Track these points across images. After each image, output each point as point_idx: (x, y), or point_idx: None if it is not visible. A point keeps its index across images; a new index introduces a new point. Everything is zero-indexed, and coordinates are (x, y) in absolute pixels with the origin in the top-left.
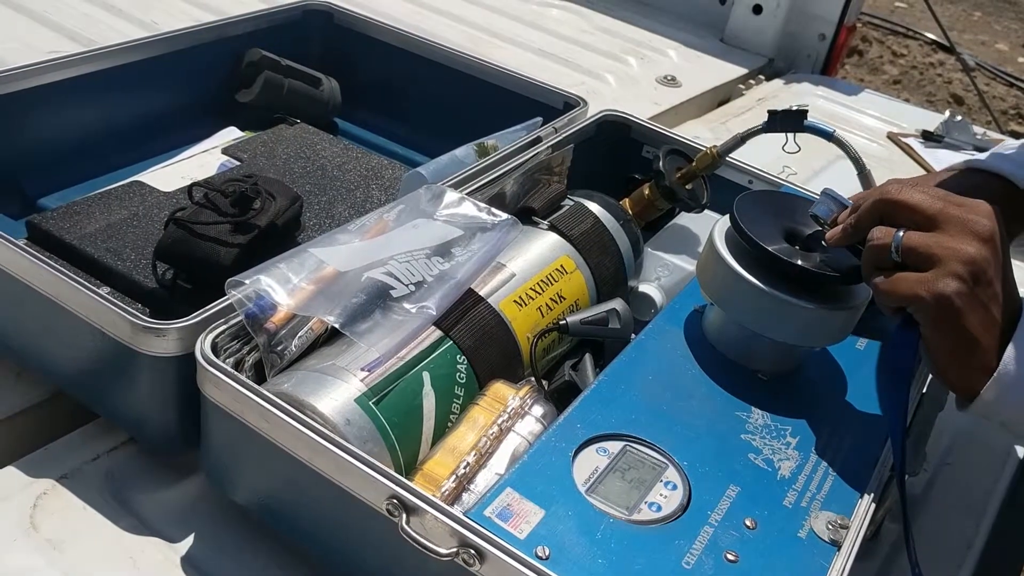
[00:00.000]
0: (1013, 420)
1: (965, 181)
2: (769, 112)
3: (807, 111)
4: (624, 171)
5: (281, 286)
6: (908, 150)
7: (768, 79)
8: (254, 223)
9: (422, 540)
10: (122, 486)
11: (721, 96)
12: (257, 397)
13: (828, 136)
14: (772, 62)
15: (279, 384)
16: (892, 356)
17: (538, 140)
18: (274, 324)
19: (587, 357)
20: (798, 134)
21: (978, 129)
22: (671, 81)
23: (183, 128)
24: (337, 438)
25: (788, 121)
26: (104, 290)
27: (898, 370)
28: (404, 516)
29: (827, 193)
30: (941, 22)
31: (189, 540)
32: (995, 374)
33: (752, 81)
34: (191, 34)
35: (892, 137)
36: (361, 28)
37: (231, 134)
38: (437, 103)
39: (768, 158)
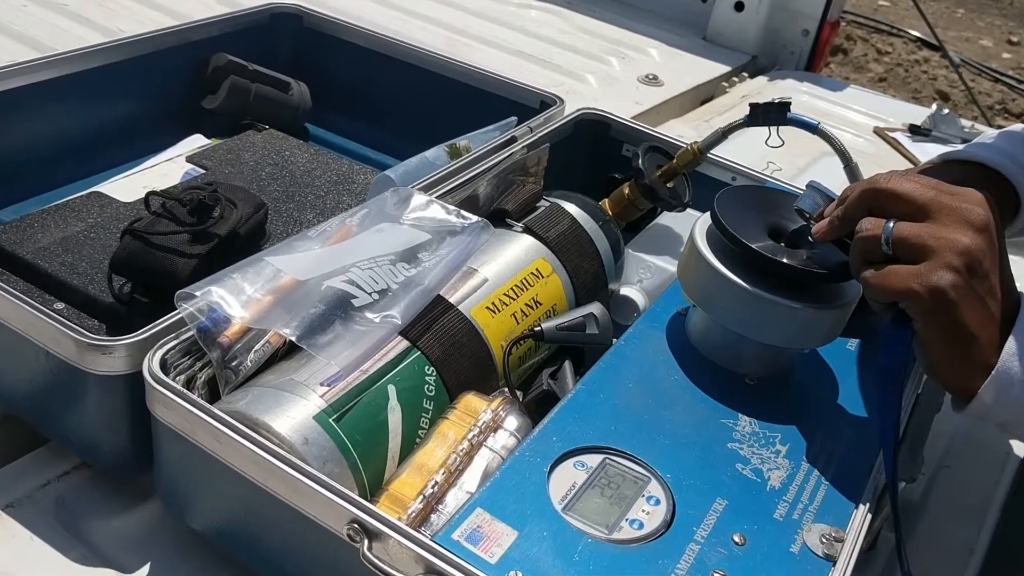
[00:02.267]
0: (1012, 420)
1: (946, 174)
2: (751, 105)
3: (790, 103)
4: (604, 171)
5: (235, 297)
6: (895, 145)
7: (752, 76)
8: (213, 232)
9: (385, 568)
10: (74, 514)
11: (704, 94)
12: (208, 416)
13: (812, 128)
14: (755, 59)
15: (232, 402)
16: (884, 355)
17: (513, 140)
18: (228, 338)
19: (566, 365)
20: (782, 128)
21: (966, 122)
22: (653, 80)
23: (147, 137)
24: (293, 459)
25: (771, 114)
26: (59, 306)
27: (890, 370)
28: (366, 542)
29: (813, 186)
30: (928, 19)
31: (144, 570)
32: (993, 372)
33: (735, 79)
34: (154, 39)
35: (879, 132)
36: (331, 30)
37: (197, 142)
38: (410, 106)
39: (752, 155)
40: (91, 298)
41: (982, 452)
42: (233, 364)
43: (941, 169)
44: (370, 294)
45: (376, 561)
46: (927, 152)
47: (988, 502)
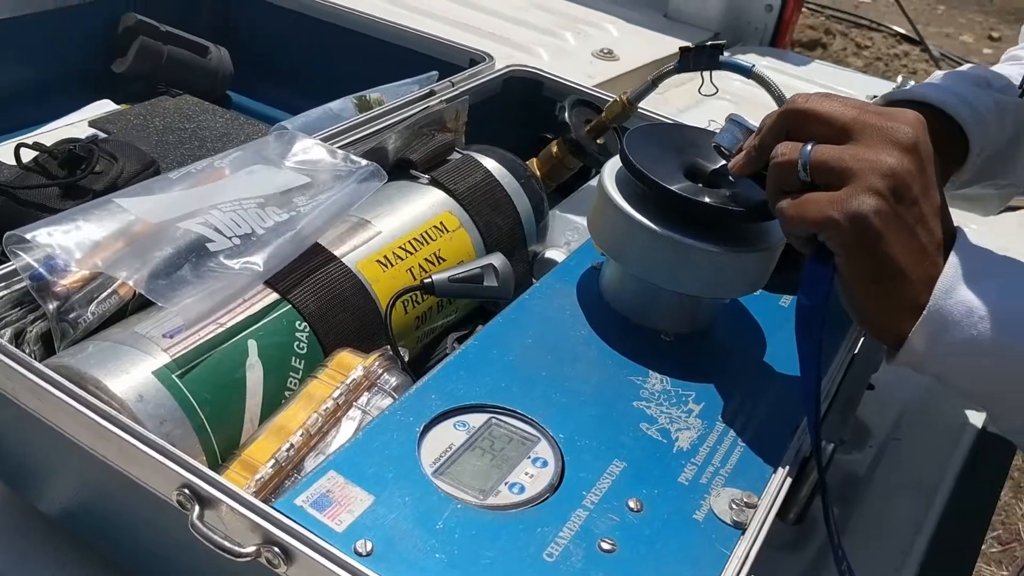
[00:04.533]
0: (949, 370)
1: None
2: (681, 49)
3: (723, 45)
4: (538, 135)
5: (74, 242)
6: None
7: None
8: (87, 187)
9: (217, 538)
10: None
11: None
12: (28, 372)
13: (747, 72)
14: (717, 36)
15: (62, 357)
16: (803, 296)
17: (431, 94)
18: (66, 288)
19: (479, 330)
20: (715, 75)
21: None
22: (608, 55)
23: (51, 101)
24: (122, 418)
25: (702, 59)
26: None
27: (809, 312)
28: (197, 509)
29: (733, 119)
30: (908, 14)
31: None
32: (924, 313)
33: None
34: None
35: None
36: None
37: (104, 107)
38: (339, 70)
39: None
40: None
41: (936, 424)
42: (71, 317)
43: None
44: (230, 238)
45: (205, 531)
46: None
47: (940, 477)
